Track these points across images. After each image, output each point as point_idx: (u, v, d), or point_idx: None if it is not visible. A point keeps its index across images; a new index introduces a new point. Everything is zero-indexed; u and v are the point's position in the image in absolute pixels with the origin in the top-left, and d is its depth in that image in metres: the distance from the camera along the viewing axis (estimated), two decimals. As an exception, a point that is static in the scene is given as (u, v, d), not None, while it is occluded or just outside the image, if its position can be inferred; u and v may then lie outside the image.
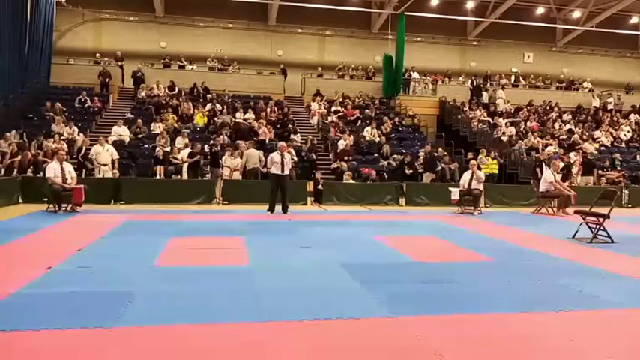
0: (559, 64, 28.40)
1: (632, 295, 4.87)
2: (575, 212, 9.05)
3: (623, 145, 21.59)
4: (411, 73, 24.61)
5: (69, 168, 10.77)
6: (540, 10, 26.17)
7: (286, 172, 10.98)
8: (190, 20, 24.58)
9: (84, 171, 13.62)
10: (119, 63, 22.30)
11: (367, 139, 18.28)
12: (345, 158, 16.25)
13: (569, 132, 21.20)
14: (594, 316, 4.21)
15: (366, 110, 21.24)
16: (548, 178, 12.67)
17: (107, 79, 21.20)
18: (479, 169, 13.33)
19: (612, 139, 21.59)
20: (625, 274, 5.73)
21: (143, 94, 20.26)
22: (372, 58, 25.79)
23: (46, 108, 17.57)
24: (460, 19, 25.51)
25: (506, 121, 21.39)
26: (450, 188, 12.66)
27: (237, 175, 14.15)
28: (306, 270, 5.59)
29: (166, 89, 20.78)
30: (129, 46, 23.55)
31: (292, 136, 17.42)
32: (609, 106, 25.46)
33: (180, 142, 15.38)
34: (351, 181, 14.55)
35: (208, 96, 20.66)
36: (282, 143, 11.69)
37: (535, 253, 6.94)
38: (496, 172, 16.75)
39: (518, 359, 3.33)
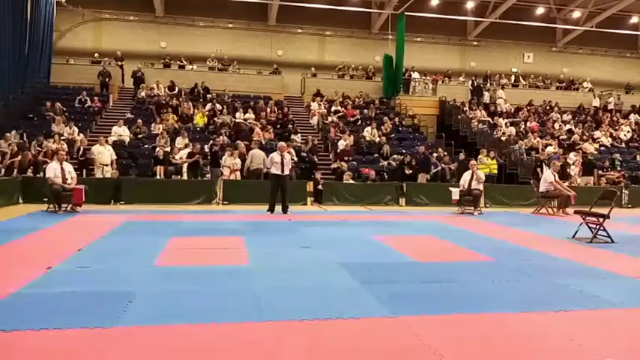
0: (559, 64, 28.40)
1: (632, 295, 4.87)
2: (575, 212, 9.05)
3: (623, 145, 21.59)
4: (411, 73, 24.61)
5: (69, 168, 10.76)
6: (540, 10, 26.17)
7: (286, 172, 10.98)
8: (190, 20, 24.58)
9: (84, 171, 13.63)
10: (119, 63, 22.29)
11: (367, 139, 18.28)
12: (345, 158, 16.26)
13: (569, 132, 21.20)
14: (594, 316, 4.21)
15: (365, 110, 21.23)
16: (548, 178, 12.67)
17: (107, 79, 21.20)
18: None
19: (612, 139, 21.58)
20: (625, 274, 5.73)
21: (143, 94, 20.26)
22: (372, 58, 25.79)
23: (46, 108, 17.57)
24: (460, 19, 25.51)
25: (506, 121, 21.40)
26: (450, 188, 12.66)
27: (236, 175, 14.16)
28: (306, 270, 5.59)
29: (166, 89, 20.78)
30: (129, 46, 23.55)
31: (292, 136, 17.42)
32: (609, 106, 25.46)
33: (180, 142, 15.39)
34: (351, 181, 14.55)
35: (208, 96, 20.66)
36: (282, 143, 11.69)
37: (535, 253, 6.94)
38: (495, 172, 16.74)
39: (518, 359, 3.33)
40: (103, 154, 13.70)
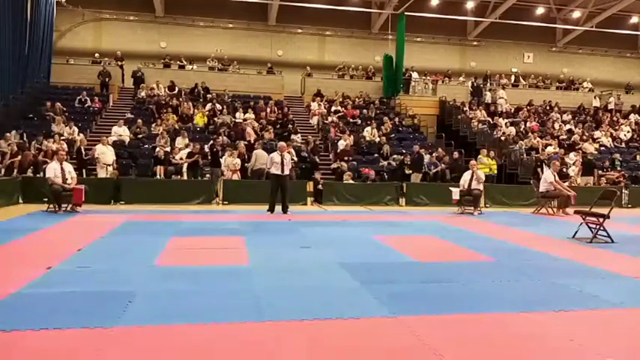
0: (559, 64, 28.40)
1: (632, 295, 4.87)
2: (575, 212, 9.05)
3: (623, 145, 21.59)
4: (411, 73, 24.60)
5: (69, 168, 10.76)
6: (540, 10, 26.18)
7: (286, 172, 10.98)
8: (190, 20, 24.58)
9: (84, 171, 13.63)
10: (119, 63, 22.29)
11: (367, 139, 18.28)
12: (345, 158, 16.26)
13: (569, 132, 21.20)
14: (594, 316, 4.21)
15: (365, 110, 21.23)
16: (548, 178, 12.67)
17: (107, 79, 21.20)
18: None
19: (612, 139, 21.58)
20: (625, 274, 5.73)
21: (143, 94, 20.26)
22: (372, 58, 25.79)
23: (46, 108, 17.57)
24: (460, 19, 25.52)
25: (506, 121, 21.40)
26: (451, 188, 12.66)
27: (238, 175, 14.17)
28: (306, 270, 5.59)
29: (166, 89, 20.78)
30: (129, 46, 23.56)
31: (292, 136, 17.43)
32: (609, 106, 25.47)
33: (180, 142, 15.39)
34: (351, 181, 14.55)
35: (208, 96, 20.66)
36: (282, 143, 11.69)
37: (535, 253, 6.94)
38: (495, 172, 16.72)
39: (518, 359, 3.33)
40: (106, 154, 13.73)
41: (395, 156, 16.98)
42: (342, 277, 5.23)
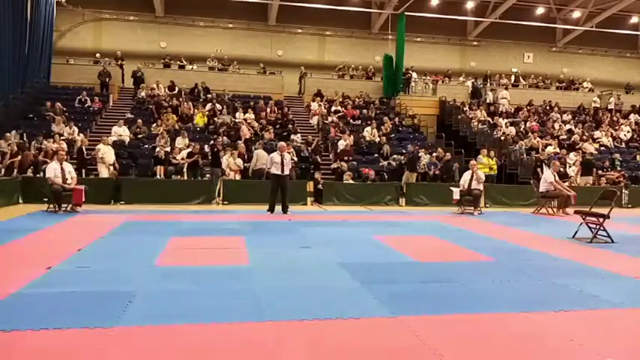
0: (559, 64, 28.41)
1: (632, 295, 4.87)
2: (575, 212, 9.05)
3: (623, 145, 21.59)
4: (411, 73, 24.59)
5: (69, 168, 10.76)
6: (540, 10, 26.18)
7: (286, 172, 10.98)
8: (190, 20, 24.59)
9: (84, 171, 13.63)
10: (119, 63, 22.30)
11: (367, 139, 18.28)
12: (345, 158, 16.27)
13: (569, 132, 21.20)
14: (594, 316, 4.21)
15: (365, 110, 21.22)
16: (548, 178, 12.67)
17: (107, 79, 21.19)
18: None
19: (612, 139, 21.58)
20: (625, 274, 5.73)
21: (143, 94, 20.26)
22: (372, 58, 25.79)
23: (46, 108, 17.57)
24: (460, 19, 25.52)
25: (506, 121, 21.40)
26: (452, 187, 12.67)
27: (240, 175, 14.18)
28: (306, 270, 5.59)
29: (166, 89, 20.78)
30: (129, 46, 23.57)
31: (292, 136, 17.43)
32: (609, 106, 25.47)
33: (180, 142, 15.39)
34: (351, 181, 14.55)
35: (208, 96, 20.67)
36: (282, 143, 11.69)
37: (535, 253, 6.94)
38: (495, 172, 16.71)
39: (518, 359, 3.33)
40: (109, 154, 13.75)
41: (395, 156, 16.98)
42: (342, 277, 5.23)
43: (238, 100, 20.83)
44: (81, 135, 15.91)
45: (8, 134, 14.42)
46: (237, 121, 18.19)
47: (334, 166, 16.01)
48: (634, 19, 27.03)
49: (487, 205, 13.63)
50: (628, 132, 22.50)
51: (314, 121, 20.63)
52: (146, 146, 15.82)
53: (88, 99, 19.28)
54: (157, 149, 14.69)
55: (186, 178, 14.08)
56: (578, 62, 28.64)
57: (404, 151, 17.16)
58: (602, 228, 7.98)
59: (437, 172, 16.07)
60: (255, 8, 24.04)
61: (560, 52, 28.46)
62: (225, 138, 16.24)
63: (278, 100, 21.70)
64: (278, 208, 10.97)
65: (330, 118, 20.00)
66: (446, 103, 23.67)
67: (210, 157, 14.41)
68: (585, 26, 26.09)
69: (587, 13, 26.07)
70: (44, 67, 20.41)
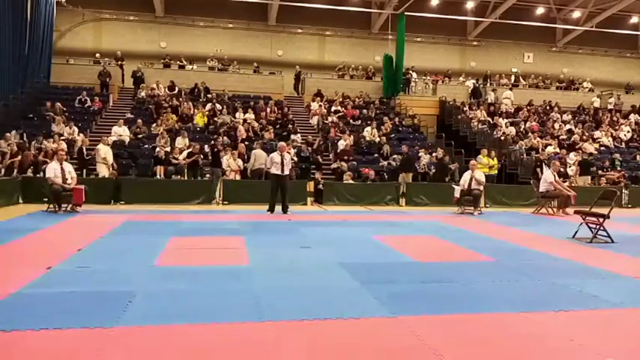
0: (559, 64, 28.41)
1: (632, 295, 4.87)
2: (575, 212, 9.05)
3: (623, 145, 21.59)
4: (411, 73, 24.59)
5: (69, 168, 10.76)
6: (540, 10, 26.19)
7: (286, 172, 10.98)
8: (190, 20, 24.59)
9: (84, 171, 13.63)
10: (119, 63, 22.30)
11: (367, 139, 18.28)
12: (345, 158, 16.27)
13: (569, 132, 21.20)
14: (594, 316, 4.21)
15: (365, 110, 21.21)
16: (548, 178, 12.67)
17: (107, 79, 21.19)
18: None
19: (612, 139, 21.57)
20: (625, 274, 5.73)
21: (143, 94, 20.26)
22: (372, 58, 25.80)
23: (46, 108, 17.57)
24: (460, 19, 25.53)
25: (506, 121, 21.40)
26: (453, 185, 12.69)
27: (238, 175, 14.18)
28: (306, 270, 5.59)
29: (166, 89, 20.77)
30: (129, 46, 23.57)
31: (292, 136, 17.43)
32: (609, 106, 25.46)
33: (180, 142, 15.39)
34: (351, 181, 14.55)
35: (208, 96, 20.67)
36: (282, 143, 11.69)
37: (535, 253, 6.94)
38: (495, 172, 16.69)
39: (518, 359, 3.33)
40: (109, 154, 13.75)
41: (395, 156, 16.97)
42: (342, 277, 5.23)
43: (238, 100, 20.83)
44: (81, 135, 15.91)
45: (8, 134, 14.42)
46: (234, 121, 18.17)
47: (334, 166, 16.01)
48: (634, 19, 27.03)
49: (487, 205, 13.63)
50: (628, 132, 22.49)
51: (314, 121, 20.63)
52: (146, 146, 15.82)
53: (88, 99, 19.28)
54: (157, 149, 14.69)
55: (186, 178, 14.08)
56: (578, 62, 28.65)
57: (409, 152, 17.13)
58: (602, 228, 7.98)
59: (433, 171, 16.06)
60: (255, 8, 24.05)
61: (560, 52, 28.46)
62: (225, 138, 16.24)
63: (278, 100, 21.70)
64: (278, 208, 10.97)
65: (330, 118, 20.00)
66: (446, 103, 23.67)
67: (210, 157, 14.41)
68: (585, 26, 26.09)
69: (587, 13, 26.08)
70: (44, 67, 20.42)
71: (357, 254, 6.58)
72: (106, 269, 5.36)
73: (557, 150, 18.43)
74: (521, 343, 3.54)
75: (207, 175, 14.18)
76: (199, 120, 18.44)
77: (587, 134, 21.32)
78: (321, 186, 13.84)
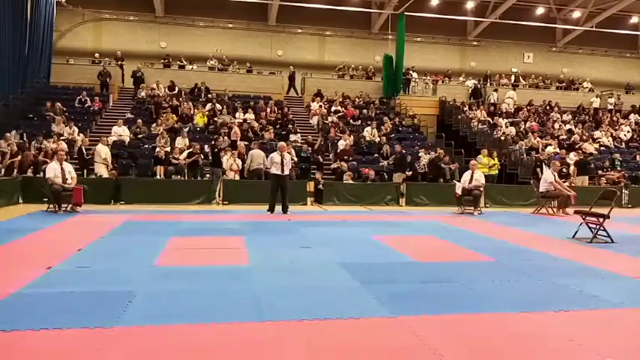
0: (559, 64, 28.42)
1: (632, 295, 4.87)
2: (575, 212, 9.05)
3: (623, 145, 21.58)
4: (411, 73, 24.59)
5: (69, 168, 10.76)
6: (540, 10, 26.19)
7: (286, 172, 10.98)
8: (190, 20, 24.59)
9: (84, 171, 13.63)
10: (119, 63, 22.30)
11: (367, 139, 18.28)
12: (345, 158, 16.26)
13: (569, 132, 21.20)
14: (594, 316, 4.20)
15: (365, 110, 21.21)
16: (548, 178, 12.67)
17: (107, 79, 21.19)
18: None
19: (612, 139, 21.57)
20: (625, 274, 5.72)
21: (143, 94, 20.26)
22: (372, 58, 25.80)
23: (46, 108, 17.57)
24: (460, 19, 25.53)
25: (506, 121, 21.40)
26: (455, 181, 12.69)
27: (237, 175, 14.18)
28: (306, 270, 5.59)
29: (166, 89, 20.78)
30: (129, 46, 23.58)
31: (292, 136, 17.43)
32: (609, 106, 25.46)
33: (180, 142, 15.39)
34: (351, 181, 14.55)
35: (208, 96, 20.67)
36: (282, 143, 11.69)
37: (535, 253, 6.94)
38: (496, 172, 16.66)
39: (518, 359, 3.33)
40: (109, 154, 13.75)
41: (395, 156, 16.95)
42: (342, 277, 5.23)
43: (238, 100, 20.83)
44: (81, 135, 15.91)
45: (8, 134, 14.42)
46: (229, 122, 18.14)
47: (334, 166, 16.01)
48: (634, 19, 27.03)
49: (487, 205, 13.63)
50: (628, 132, 22.49)
51: (314, 121, 20.63)
52: (146, 146, 15.82)
53: (88, 99, 19.29)
54: (157, 149, 14.69)
55: (186, 178, 14.08)
56: (578, 62, 28.65)
57: (404, 152, 17.11)
58: (602, 228, 7.98)
59: (452, 169, 16.02)
60: (255, 8, 24.05)
61: (560, 52, 28.46)
62: (226, 138, 16.24)
63: (278, 100, 21.71)
64: (278, 208, 10.97)
65: (330, 118, 20.00)
66: (446, 103, 23.67)
67: (210, 157, 14.41)
68: (585, 26, 26.09)
69: (587, 13, 26.08)
70: (44, 67, 20.42)
71: (357, 254, 6.57)
72: (106, 269, 5.36)
73: (557, 150, 18.42)
74: (521, 343, 3.54)
75: (207, 175, 14.18)
76: (199, 120, 18.44)
77: (587, 134, 21.32)
78: (321, 186, 13.84)
